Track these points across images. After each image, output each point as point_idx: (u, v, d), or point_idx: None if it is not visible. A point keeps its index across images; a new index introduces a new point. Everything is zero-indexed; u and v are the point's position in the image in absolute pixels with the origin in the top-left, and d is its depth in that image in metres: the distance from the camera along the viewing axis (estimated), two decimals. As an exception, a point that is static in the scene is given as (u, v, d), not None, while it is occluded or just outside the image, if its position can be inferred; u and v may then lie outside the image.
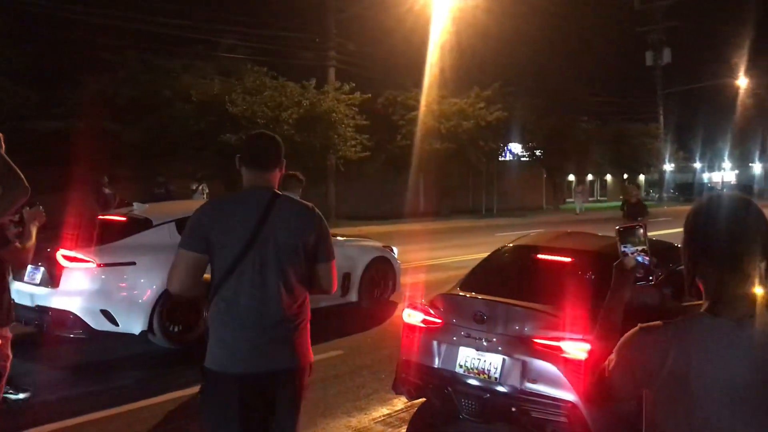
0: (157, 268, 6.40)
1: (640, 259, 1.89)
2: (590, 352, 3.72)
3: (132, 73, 21.68)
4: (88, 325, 6.45)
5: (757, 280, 1.59)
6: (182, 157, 21.63)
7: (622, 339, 1.71)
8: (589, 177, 52.13)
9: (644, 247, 1.90)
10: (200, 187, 20.82)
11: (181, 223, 6.60)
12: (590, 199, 53.34)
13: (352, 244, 9.12)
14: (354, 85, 24.75)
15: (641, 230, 1.92)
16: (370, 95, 25.54)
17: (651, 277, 1.90)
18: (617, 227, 1.97)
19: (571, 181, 48.18)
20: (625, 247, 1.91)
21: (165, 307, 6.63)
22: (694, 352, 1.55)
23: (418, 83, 27.16)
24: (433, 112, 27.88)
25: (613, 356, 1.72)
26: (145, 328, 6.56)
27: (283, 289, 2.75)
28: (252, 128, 22.05)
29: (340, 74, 26.40)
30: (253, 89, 22.71)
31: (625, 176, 49.77)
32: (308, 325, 2.90)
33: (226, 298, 2.72)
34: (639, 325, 1.69)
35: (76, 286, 6.50)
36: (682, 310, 1.79)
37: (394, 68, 28.30)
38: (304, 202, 2.96)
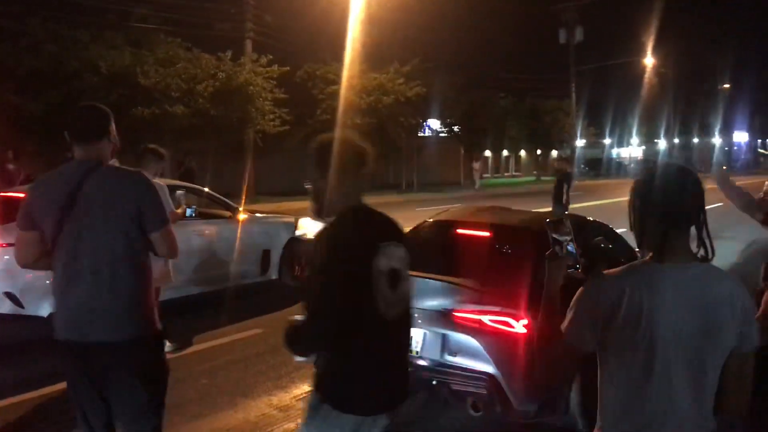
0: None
1: (570, 248, 2.03)
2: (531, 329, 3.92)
3: (35, 43, 20.33)
4: (-10, 308, 6.12)
5: (692, 237, 1.87)
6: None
7: (580, 290, 1.90)
8: (505, 153, 53.23)
9: (572, 236, 2.04)
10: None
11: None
12: (506, 174, 54.61)
13: (271, 221, 9.00)
14: (272, 57, 24.27)
15: (568, 221, 2.07)
16: (288, 68, 25.12)
17: (578, 265, 2.04)
18: (547, 220, 2.10)
19: (488, 157, 49.08)
20: (556, 237, 2.04)
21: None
22: (645, 294, 1.77)
23: (338, 57, 26.82)
24: (353, 86, 27.67)
25: (569, 312, 1.88)
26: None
27: (102, 261, 2.70)
28: (165, 101, 21.34)
29: (258, 46, 25.80)
30: (165, 61, 21.92)
31: (539, 152, 51.15)
32: (147, 297, 2.83)
33: (55, 269, 2.78)
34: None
35: (-24, 268, 6.12)
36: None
37: (314, 41, 27.89)
38: (130, 170, 2.95)
